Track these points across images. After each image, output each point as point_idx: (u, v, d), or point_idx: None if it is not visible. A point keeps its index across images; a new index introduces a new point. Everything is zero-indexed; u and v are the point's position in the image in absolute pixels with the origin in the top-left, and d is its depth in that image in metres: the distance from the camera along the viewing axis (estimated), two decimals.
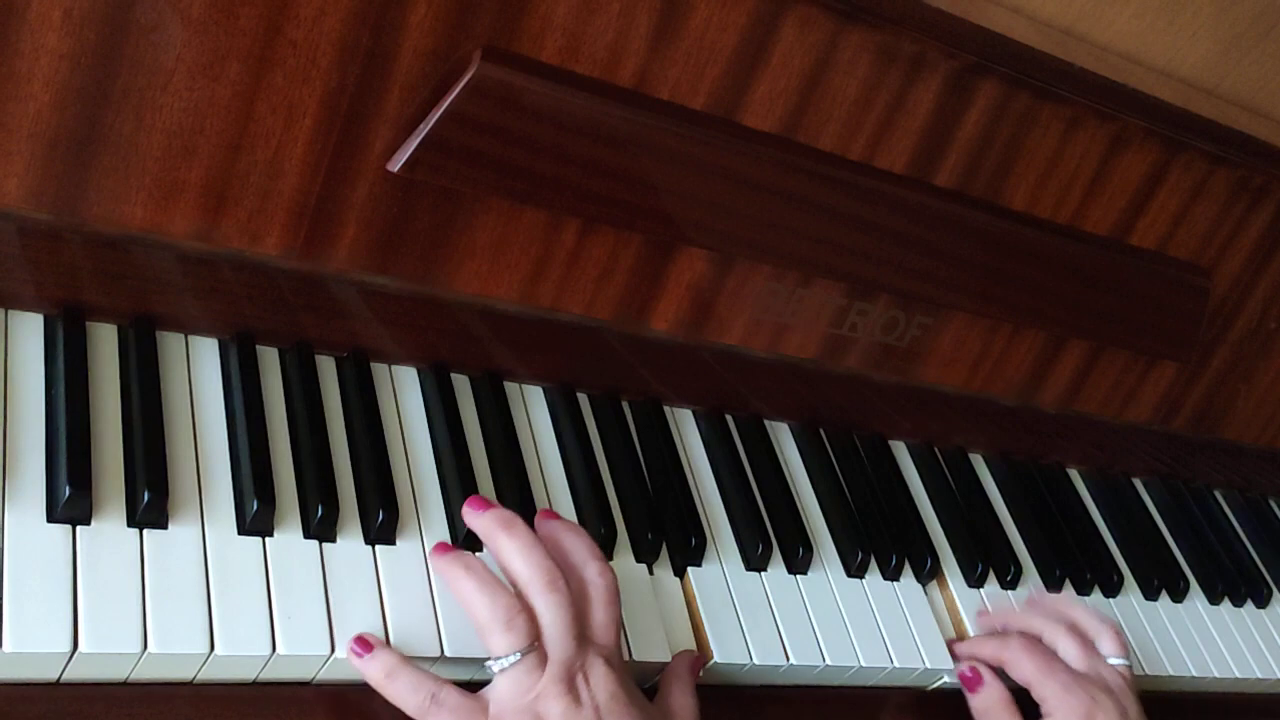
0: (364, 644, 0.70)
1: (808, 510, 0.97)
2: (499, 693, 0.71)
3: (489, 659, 0.71)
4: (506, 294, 0.82)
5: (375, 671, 0.70)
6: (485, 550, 0.77)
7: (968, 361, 1.00)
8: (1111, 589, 1.07)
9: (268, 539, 0.73)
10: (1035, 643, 0.92)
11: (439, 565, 0.76)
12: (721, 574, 0.88)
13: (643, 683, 0.80)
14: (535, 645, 0.72)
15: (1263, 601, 1.16)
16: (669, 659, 0.81)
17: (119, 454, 0.72)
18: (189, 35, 0.67)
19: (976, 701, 0.90)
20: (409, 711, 0.70)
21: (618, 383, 0.94)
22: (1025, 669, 0.90)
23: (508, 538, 0.75)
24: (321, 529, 0.74)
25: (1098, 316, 1.02)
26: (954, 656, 0.93)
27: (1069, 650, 0.92)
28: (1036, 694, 0.90)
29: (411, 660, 0.71)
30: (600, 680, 0.72)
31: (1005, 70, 0.87)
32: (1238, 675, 1.07)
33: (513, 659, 0.71)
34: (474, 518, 0.77)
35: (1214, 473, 1.27)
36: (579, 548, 0.78)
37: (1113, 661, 0.93)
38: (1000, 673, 0.91)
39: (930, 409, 1.06)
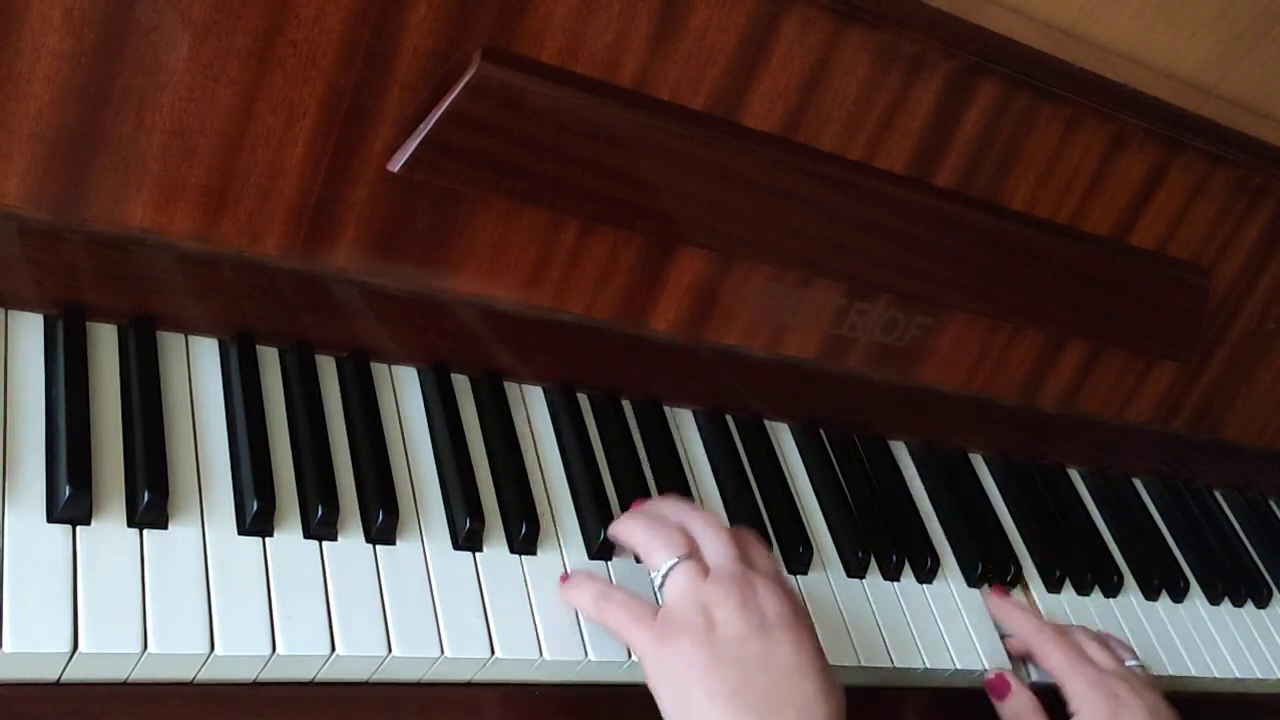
0: (561, 577, 0.78)
1: (808, 510, 0.96)
2: (667, 593, 0.75)
3: (653, 574, 0.76)
4: (506, 294, 0.82)
5: (565, 589, 0.78)
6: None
7: (968, 361, 1.01)
8: (1111, 589, 1.07)
9: (268, 539, 0.73)
10: (1069, 638, 0.93)
11: (615, 530, 0.81)
12: None
13: None
14: (695, 556, 0.75)
15: (1263, 601, 1.16)
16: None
17: (119, 454, 0.72)
18: (189, 35, 0.67)
19: (1005, 709, 0.90)
20: (584, 610, 0.76)
21: (618, 383, 0.94)
22: (1055, 661, 0.91)
23: (675, 506, 0.81)
24: (321, 529, 0.74)
25: (1098, 316, 1.02)
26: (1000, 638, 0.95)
27: (1092, 648, 0.93)
28: (1065, 688, 0.90)
29: (592, 574, 0.79)
30: (769, 594, 0.74)
31: (1005, 70, 0.87)
32: (1238, 675, 1.07)
33: (673, 561, 0.75)
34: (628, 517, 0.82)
35: (1214, 473, 1.27)
36: (714, 520, 0.81)
37: (1130, 664, 0.94)
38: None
39: (930, 409, 1.06)
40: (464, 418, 0.86)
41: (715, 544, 0.77)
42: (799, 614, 0.75)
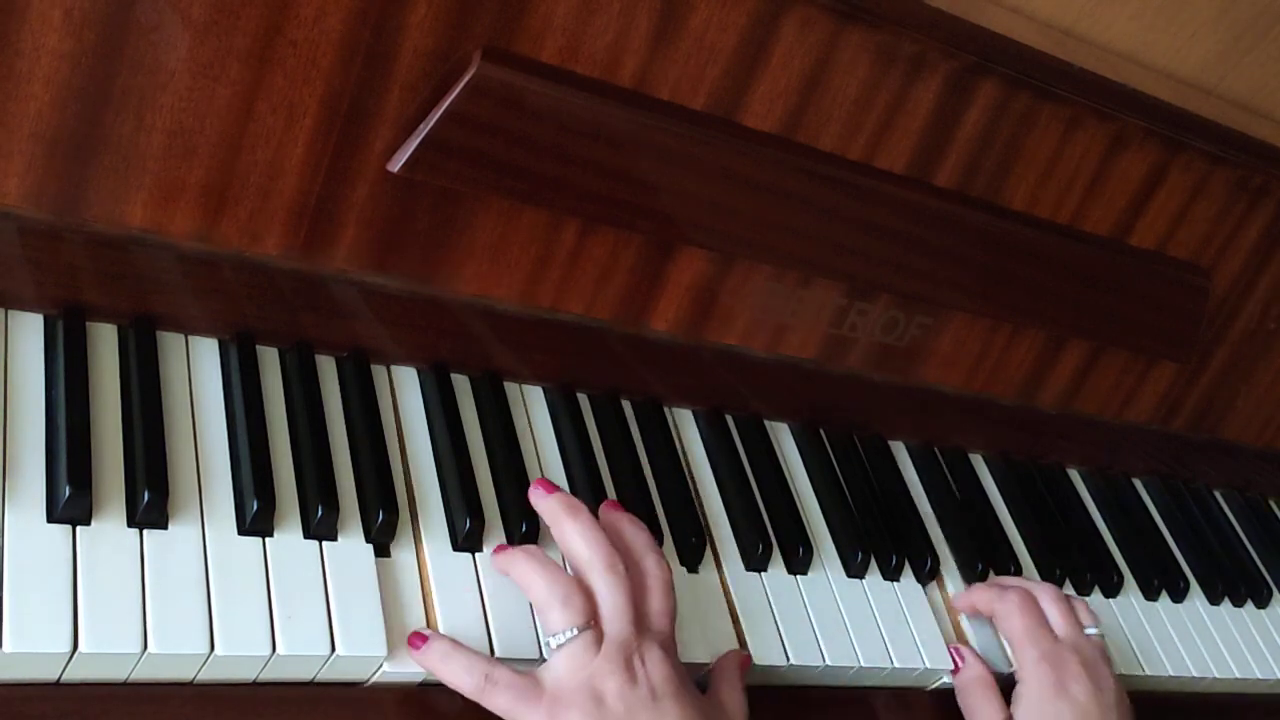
0: (419, 637, 0.72)
1: (808, 510, 0.96)
2: (555, 669, 0.72)
3: (547, 636, 0.73)
4: (506, 294, 0.82)
5: (431, 659, 0.72)
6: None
7: (968, 361, 1.01)
8: (1111, 589, 1.07)
9: (268, 539, 0.73)
10: (1032, 604, 0.93)
11: (499, 560, 0.78)
12: (722, 574, 0.88)
13: None
14: (592, 624, 0.73)
15: (1263, 601, 1.16)
16: (708, 660, 0.81)
17: (119, 454, 0.72)
18: (189, 35, 0.67)
19: (958, 680, 0.91)
20: (466, 693, 0.72)
21: (618, 383, 0.94)
22: (1014, 626, 0.91)
23: (571, 520, 0.77)
24: (321, 529, 0.74)
25: (1098, 316, 1.02)
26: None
27: (1054, 614, 0.93)
28: (1015, 656, 0.91)
29: (465, 646, 0.73)
30: (656, 663, 0.73)
31: (1005, 70, 0.87)
32: (1238, 675, 1.07)
33: (570, 634, 0.72)
34: (540, 499, 0.79)
35: (1214, 473, 1.27)
36: (639, 539, 0.80)
37: (1088, 631, 0.94)
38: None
39: (930, 409, 1.06)
40: (464, 418, 0.86)
41: (613, 608, 0.74)
42: (684, 679, 0.75)
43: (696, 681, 0.79)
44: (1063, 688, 0.88)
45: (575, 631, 0.73)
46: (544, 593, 0.74)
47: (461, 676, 0.71)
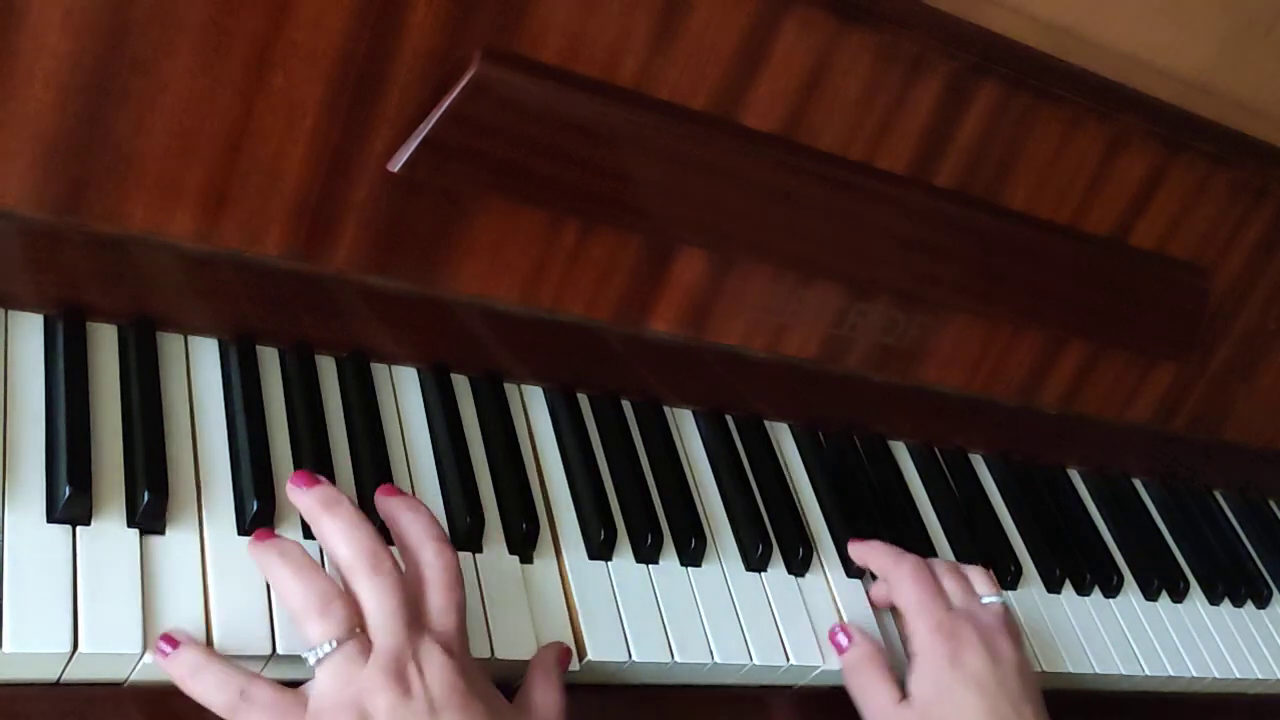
0: (170, 641, 0.65)
1: (807, 510, 0.96)
2: (318, 686, 0.65)
3: (306, 651, 0.65)
4: (506, 294, 0.82)
5: (178, 670, 0.64)
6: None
7: (968, 362, 1.00)
8: (1111, 589, 1.07)
9: None
10: (925, 575, 0.88)
11: (254, 553, 0.69)
12: (721, 574, 0.88)
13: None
14: (357, 633, 0.65)
15: (1263, 602, 1.16)
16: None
17: (119, 454, 0.72)
18: (189, 35, 0.67)
19: (845, 660, 0.86)
20: (218, 711, 0.64)
21: (618, 383, 0.94)
22: (907, 596, 0.87)
23: (330, 518, 0.69)
24: None
25: (1098, 317, 1.02)
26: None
27: (949, 583, 0.89)
28: (908, 626, 0.86)
29: (222, 656, 0.65)
30: (436, 670, 0.66)
31: (1005, 70, 0.87)
32: (1238, 675, 1.07)
33: (328, 647, 0.65)
34: (297, 495, 0.70)
35: (1214, 473, 1.27)
36: (416, 526, 0.71)
37: (985, 600, 0.89)
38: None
39: (930, 409, 1.06)
40: (464, 418, 0.86)
41: (380, 614, 0.66)
42: (473, 684, 0.67)
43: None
44: (957, 659, 0.83)
45: (335, 644, 0.65)
46: (300, 601, 0.66)
47: (213, 693, 0.64)
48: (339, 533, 0.68)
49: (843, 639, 0.87)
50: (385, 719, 0.64)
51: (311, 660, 0.65)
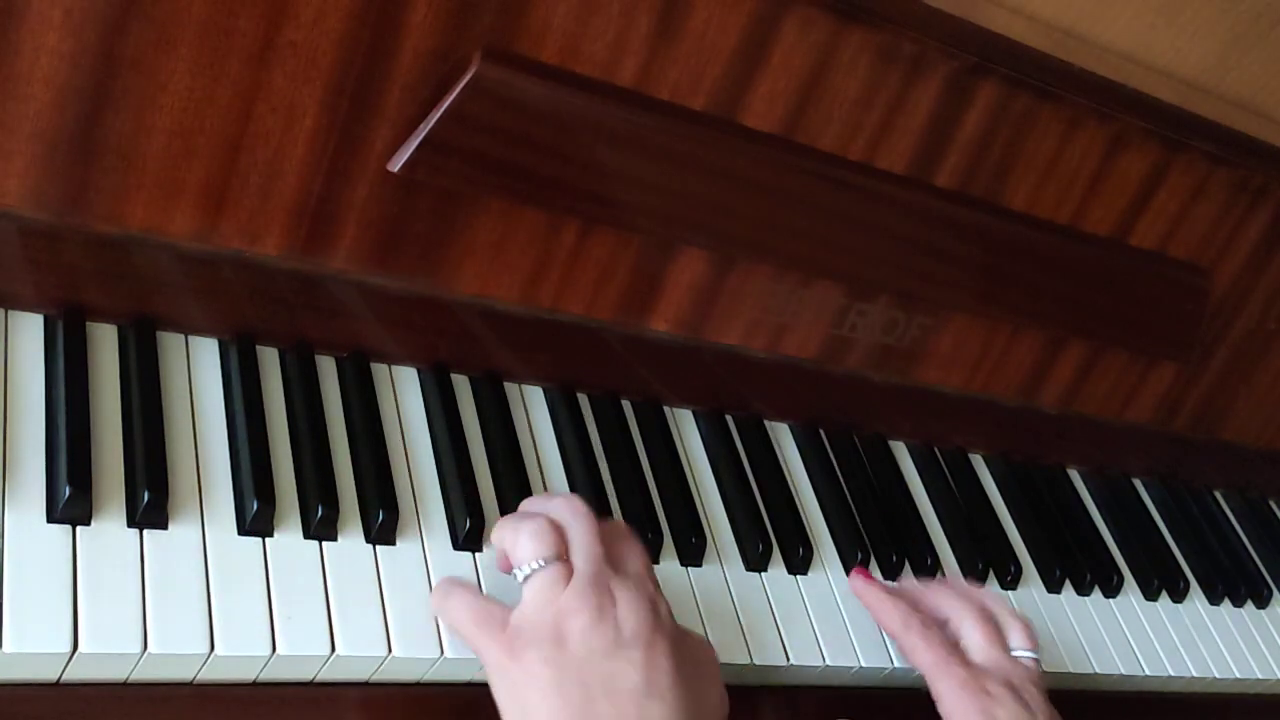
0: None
1: (808, 510, 0.96)
2: (522, 603, 0.70)
3: (516, 570, 0.71)
4: (506, 294, 0.82)
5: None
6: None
7: (968, 362, 1.00)
8: (1111, 589, 1.07)
9: (268, 539, 0.73)
10: (935, 633, 0.86)
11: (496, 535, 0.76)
12: (721, 574, 0.88)
13: None
14: (562, 558, 0.71)
15: (1263, 602, 1.16)
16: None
17: (119, 454, 0.72)
18: (189, 35, 0.67)
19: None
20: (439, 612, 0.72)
21: (618, 383, 0.94)
22: (923, 659, 0.85)
23: (552, 501, 0.76)
24: (322, 529, 0.74)
25: (1098, 317, 1.02)
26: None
27: (973, 637, 0.86)
28: (933, 689, 0.84)
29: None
30: (628, 603, 0.70)
31: (1005, 70, 0.87)
32: (1238, 675, 1.07)
33: (535, 565, 0.70)
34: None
35: (1214, 473, 1.27)
36: (619, 527, 0.78)
37: (1020, 655, 0.86)
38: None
39: (930, 409, 1.06)
40: (464, 418, 0.86)
41: (583, 544, 0.72)
42: (658, 629, 0.70)
43: None
44: (990, 715, 0.81)
45: (542, 564, 0.70)
46: (511, 529, 0.72)
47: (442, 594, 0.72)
48: (559, 500, 0.76)
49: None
50: (578, 639, 0.68)
51: (520, 577, 0.71)
